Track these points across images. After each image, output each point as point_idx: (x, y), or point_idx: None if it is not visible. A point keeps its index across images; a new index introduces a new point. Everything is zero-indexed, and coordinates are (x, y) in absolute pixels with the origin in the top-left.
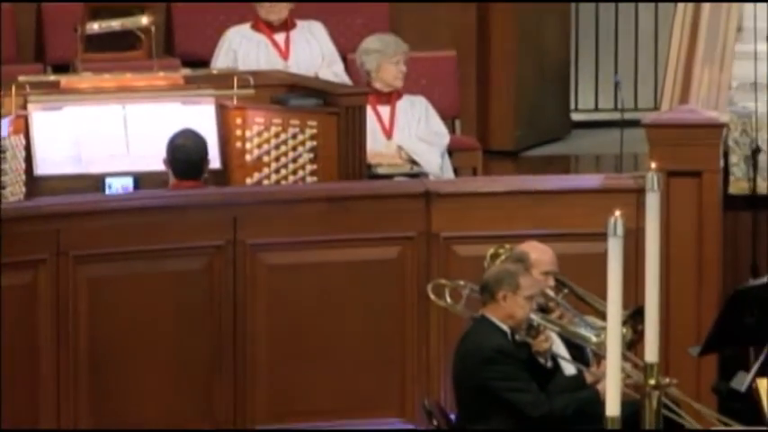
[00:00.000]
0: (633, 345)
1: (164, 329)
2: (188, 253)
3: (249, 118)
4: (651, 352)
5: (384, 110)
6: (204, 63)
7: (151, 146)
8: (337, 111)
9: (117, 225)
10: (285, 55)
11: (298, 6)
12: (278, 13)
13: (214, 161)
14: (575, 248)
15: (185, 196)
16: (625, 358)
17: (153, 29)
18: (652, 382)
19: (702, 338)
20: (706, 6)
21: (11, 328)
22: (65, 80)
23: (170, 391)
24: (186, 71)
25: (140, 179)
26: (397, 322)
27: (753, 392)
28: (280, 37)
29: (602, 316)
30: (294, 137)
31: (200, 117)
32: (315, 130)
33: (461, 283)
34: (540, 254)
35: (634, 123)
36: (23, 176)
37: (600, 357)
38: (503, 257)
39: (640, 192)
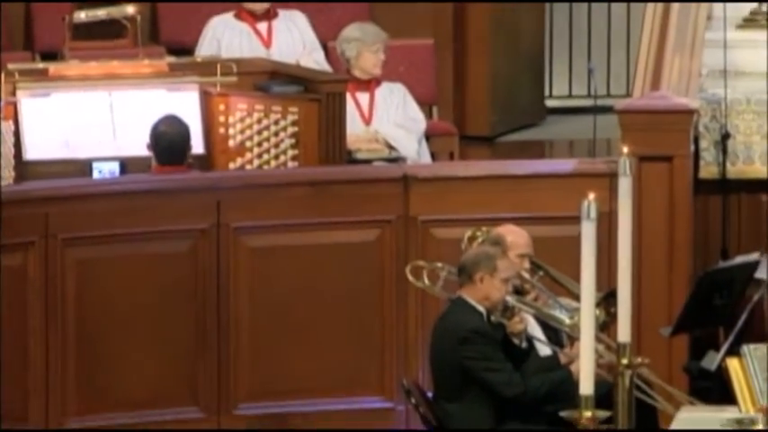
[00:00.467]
0: (606, 326)
1: (149, 310)
2: (173, 236)
3: (232, 104)
4: (623, 332)
5: (363, 97)
6: (188, 51)
7: (137, 131)
8: (318, 97)
9: (104, 209)
10: (267, 43)
11: None
12: (261, 2)
13: (198, 146)
14: (549, 231)
15: (171, 181)
16: (598, 339)
17: (138, 18)
18: (625, 361)
19: (673, 319)
20: None
21: (1, 309)
22: (53, 68)
23: (155, 370)
24: (171, 59)
25: (126, 164)
26: (376, 303)
27: (723, 371)
28: (262, 26)
29: (576, 297)
30: (276, 123)
31: (185, 103)
32: (296, 117)
33: (439, 264)
34: (515, 237)
35: (607, 110)
36: (13, 161)
37: (573, 339)
38: (479, 240)
39: (613, 176)
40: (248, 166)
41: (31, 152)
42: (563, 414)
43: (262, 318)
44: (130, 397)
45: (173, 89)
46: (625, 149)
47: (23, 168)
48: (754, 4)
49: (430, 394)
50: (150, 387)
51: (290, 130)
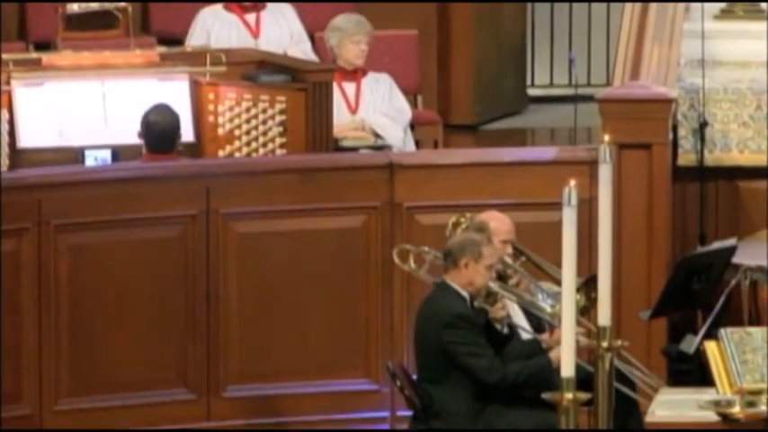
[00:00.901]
0: (587, 311)
1: (140, 294)
2: (163, 222)
3: (221, 93)
4: (604, 316)
5: (349, 86)
6: (179, 41)
7: (128, 120)
8: (305, 87)
9: (96, 195)
10: (256, 34)
11: None
12: None
13: (188, 134)
14: (531, 217)
15: (161, 168)
16: (579, 323)
17: (130, 9)
18: (604, 344)
19: (652, 303)
20: None
21: None
22: (46, 58)
23: (146, 352)
24: (162, 49)
25: (118, 152)
26: (362, 288)
27: (701, 354)
28: (251, 17)
29: (558, 282)
30: (264, 111)
31: (175, 93)
32: (284, 105)
33: (425, 248)
34: (498, 223)
35: (587, 98)
36: (7, 149)
37: (553, 327)
38: (463, 226)
39: (593, 163)
40: (237, 154)
41: (25, 140)
42: (545, 396)
43: (250, 302)
44: (121, 379)
45: (163, 79)
46: (605, 137)
47: (17, 156)
48: None
49: (415, 377)
50: (141, 369)
51: (278, 118)
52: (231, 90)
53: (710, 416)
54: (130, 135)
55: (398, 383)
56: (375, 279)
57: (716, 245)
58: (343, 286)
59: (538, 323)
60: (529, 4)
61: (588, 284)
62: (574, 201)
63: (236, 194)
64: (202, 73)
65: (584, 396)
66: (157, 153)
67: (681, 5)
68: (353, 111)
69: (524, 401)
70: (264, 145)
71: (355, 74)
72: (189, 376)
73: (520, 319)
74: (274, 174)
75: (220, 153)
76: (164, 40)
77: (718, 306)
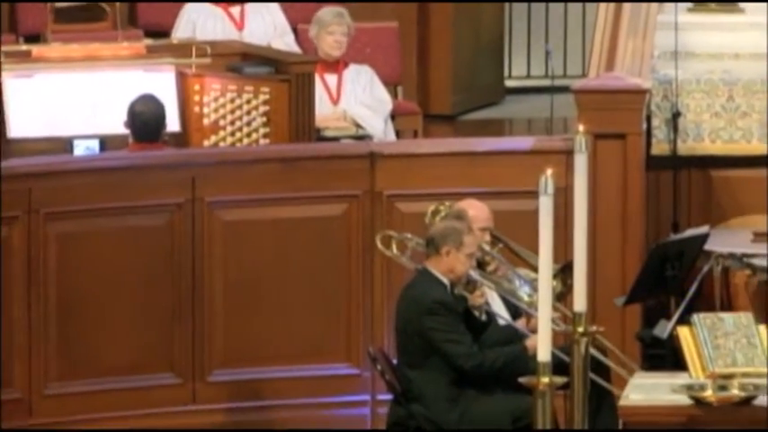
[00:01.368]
0: (563, 297)
1: (127, 281)
2: (150, 210)
3: (206, 85)
4: (579, 302)
5: (331, 78)
6: (165, 34)
7: (116, 111)
8: (288, 78)
9: (84, 184)
10: (240, 26)
11: None
12: None
13: (174, 125)
14: (509, 206)
15: (148, 157)
16: (555, 309)
17: (117, 2)
18: (580, 329)
19: (627, 290)
20: None
21: None
22: (36, 50)
23: (133, 338)
24: (148, 41)
25: (106, 141)
26: (344, 274)
27: (674, 339)
28: (235, 9)
29: (535, 269)
30: (248, 102)
31: (161, 84)
32: (267, 96)
33: (408, 235)
34: (476, 211)
35: (563, 89)
36: None
37: (529, 315)
38: (442, 214)
39: (569, 153)
40: (222, 144)
41: (15, 130)
42: (522, 380)
43: (235, 288)
44: (109, 363)
45: (150, 70)
46: (581, 127)
47: (8, 146)
48: None
49: (395, 361)
50: (128, 354)
51: (262, 109)
52: (216, 81)
53: (683, 399)
54: (118, 125)
55: (379, 368)
56: (356, 266)
57: (689, 232)
58: (325, 273)
59: (515, 310)
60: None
61: (564, 271)
62: (550, 189)
63: (220, 183)
64: (188, 65)
65: (559, 380)
66: (144, 142)
67: None
68: (335, 101)
69: (500, 387)
70: (249, 135)
71: (337, 65)
72: (175, 361)
73: (498, 307)
74: (258, 163)
75: (205, 143)
76: (150, 33)
77: (690, 292)
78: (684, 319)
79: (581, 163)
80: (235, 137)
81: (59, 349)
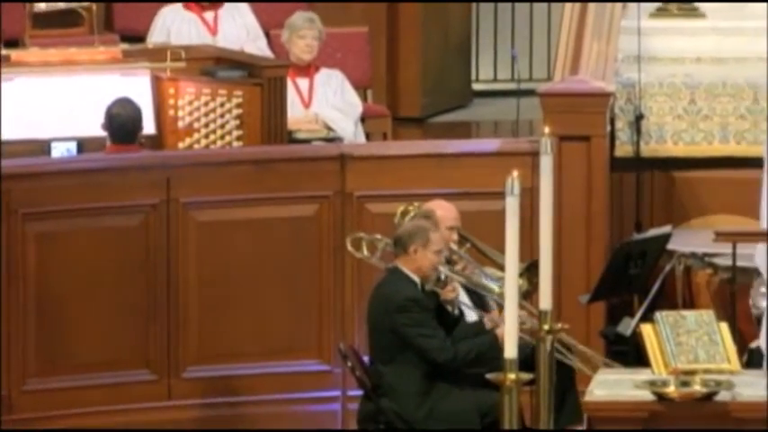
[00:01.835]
0: (529, 295)
1: (104, 279)
2: (126, 210)
3: (181, 88)
4: (545, 300)
5: (303, 82)
6: (141, 39)
7: (92, 113)
8: (261, 82)
9: (62, 185)
10: (214, 31)
11: None
12: None
13: (149, 127)
14: (476, 206)
15: (124, 159)
16: (522, 307)
17: (94, 8)
18: (546, 327)
19: (591, 288)
20: None
21: None
22: (15, 54)
23: (109, 335)
24: (124, 46)
25: (83, 143)
26: (315, 273)
27: (637, 336)
28: (209, 15)
29: (501, 268)
30: (222, 105)
31: (137, 87)
32: (240, 99)
33: (378, 236)
34: (444, 211)
35: (529, 93)
36: None
37: (501, 306)
38: (411, 214)
39: (535, 155)
40: (196, 146)
41: None
42: (489, 376)
43: (208, 286)
44: (86, 360)
45: (126, 74)
46: (546, 130)
47: None
48: None
49: (365, 358)
50: (105, 351)
51: (235, 112)
52: (190, 85)
53: (646, 395)
54: (95, 128)
55: (349, 364)
56: (327, 265)
57: (651, 232)
58: (297, 272)
59: (481, 303)
60: (474, 4)
61: (530, 270)
62: (516, 190)
63: (195, 184)
64: (163, 69)
65: (526, 376)
66: (121, 144)
67: (618, 4)
68: (307, 105)
69: (470, 381)
70: (222, 137)
71: (308, 70)
72: (150, 358)
73: (465, 301)
74: (231, 165)
75: (180, 145)
76: (126, 38)
77: (653, 290)
78: (647, 317)
79: (546, 164)
80: (209, 139)
81: (38, 346)
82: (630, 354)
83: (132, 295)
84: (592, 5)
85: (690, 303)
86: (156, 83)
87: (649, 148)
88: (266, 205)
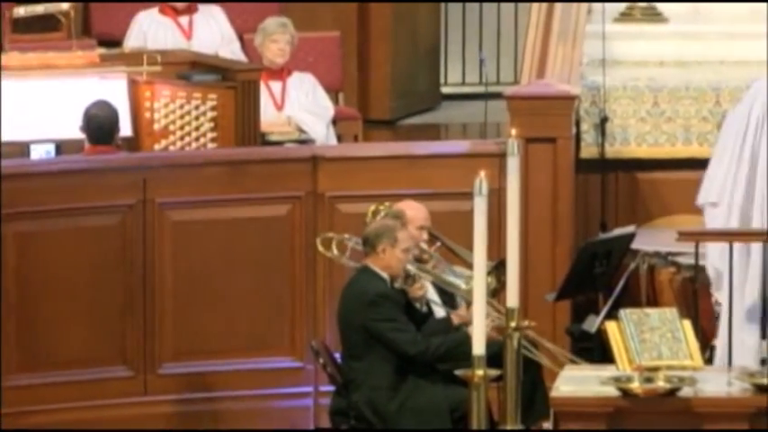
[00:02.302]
0: (497, 293)
1: (82, 278)
2: (103, 211)
3: (157, 91)
4: (512, 298)
5: (276, 85)
6: (117, 43)
7: (71, 116)
8: (234, 85)
9: (40, 186)
10: (189, 36)
11: None
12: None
13: (126, 129)
14: (445, 206)
15: (101, 160)
16: (489, 304)
17: (72, 13)
18: (513, 324)
19: (557, 286)
20: None
21: None
22: None
23: (87, 332)
24: (101, 50)
25: (61, 146)
26: (288, 271)
27: (602, 333)
28: (184, 20)
29: (470, 266)
30: (197, 108)
31: (114, 91)
32: (215, 102)
33: (347, 236)
34: (415, 211)
35: (497, 96)
36: None
37: (469, 303)
38: (382, 214)
39: (502, 156)
40: (171, 148)
41: None
42: (458, 372)
43: (183, 285)
44: (65, 357)
45: (103, 78)
46: (513, 132)
47: None
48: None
49: (337, 354)
50: (83, 348)
51: (210, 114)
52: (166, 88)
53: (611, 391)
54: (73, 130)
55: (321, 361)
56: (299, 264)
57: (616, 232)
58: (270, 270)
59: (451, 300)
60: (442, 6)
61: (498, 268)
62: (484, 191)
63: (170, 185)
64: (139, 72)
65: (494, 373)
66: (98, 145)
67: (584, 8)
68: (280, 108)
69: (441, 376)
70: (197, 139)
71: (281, 73)
72: (127, 355)
73: (434, 298)
74: (206, 166)
75: (156, 147)
76: (103, 42)
77: (618, 288)
78: (612, 315)
79: (513, 166)
80: (184, 141)
81: (18, 343)
82: (596, 351)
83: (109, 293)
84: (558, 10)
85: (653, 301)
86: (133, 86)
87: (614, 150)
88: (240, 205)
